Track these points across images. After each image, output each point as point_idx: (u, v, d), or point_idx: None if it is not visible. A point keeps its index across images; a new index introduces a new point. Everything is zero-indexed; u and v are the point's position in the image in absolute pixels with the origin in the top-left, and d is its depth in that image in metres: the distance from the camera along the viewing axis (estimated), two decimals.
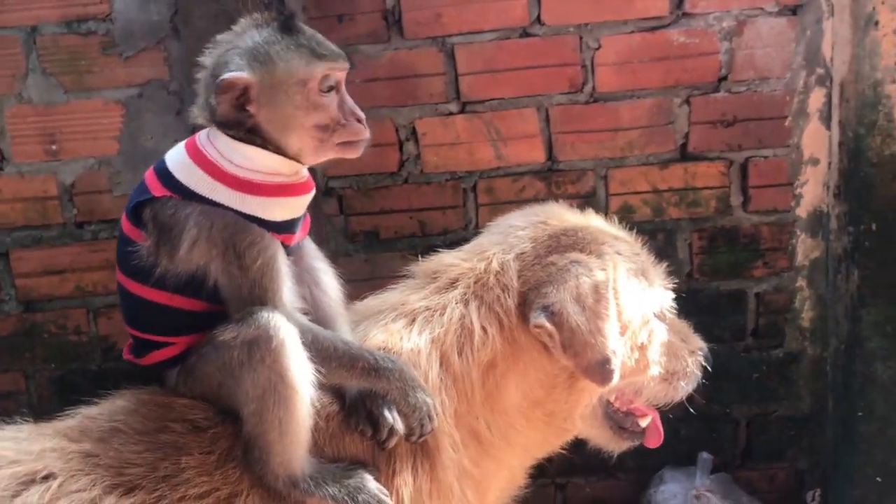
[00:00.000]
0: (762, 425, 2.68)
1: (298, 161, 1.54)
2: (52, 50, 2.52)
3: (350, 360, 1.52)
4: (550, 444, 1.82)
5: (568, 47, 2.49)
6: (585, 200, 2.52)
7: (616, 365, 1.62)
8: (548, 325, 1.60)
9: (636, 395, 1.80)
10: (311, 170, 1.63)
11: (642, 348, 1.72)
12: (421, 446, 1.59)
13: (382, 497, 1.51)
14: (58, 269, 2.64)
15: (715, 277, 2.60)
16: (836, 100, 2.44)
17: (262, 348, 1.43)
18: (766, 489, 2.71)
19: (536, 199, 2.37)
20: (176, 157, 1.55)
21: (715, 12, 2.45)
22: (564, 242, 1.71)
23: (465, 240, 1.88)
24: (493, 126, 2.54)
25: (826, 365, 2.61)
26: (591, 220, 1.82)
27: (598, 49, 2.49)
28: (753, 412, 2.67)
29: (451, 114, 2.55)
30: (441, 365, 1.64)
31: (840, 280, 2.48)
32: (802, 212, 2.55)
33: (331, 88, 1.51)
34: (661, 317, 1.77)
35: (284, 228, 1.54)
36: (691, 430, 2.61)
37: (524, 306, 1.65)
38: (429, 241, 2.53)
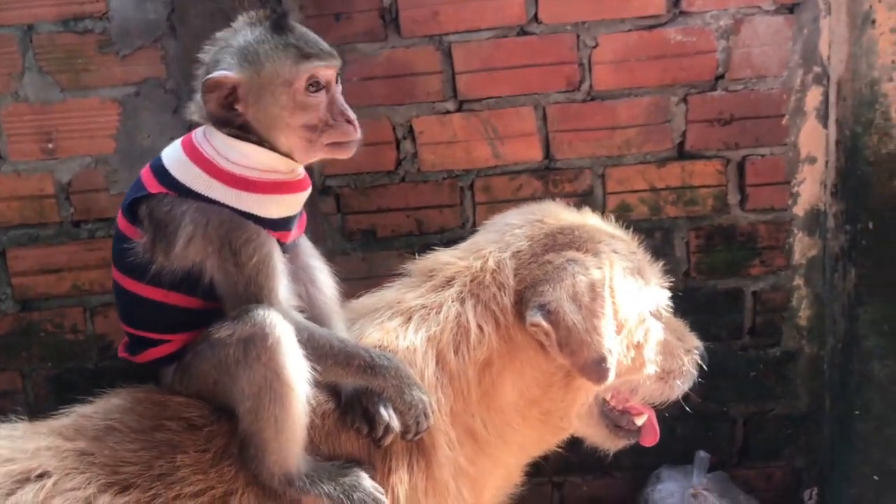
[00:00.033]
0: (759, 424, 2.68)
1: (292, 159, 1.54)
2: (48, 48, 2.52)
3: (346, 358, 1.52)
4: (547, 442, 1.82)
5: (565, 46, 2.49)
6: (583, 199, 2.51)
7: (612, 363, 1.62)
8: (544, 323, 1.61)
9: (632, 394, 1.81)
10: (308, 168, 1.63)
11: (638, 347, 1.72)
12: (417, 444, 1.60)
13: (378, 495, 1.52)
14: (54, 268, 2.64)
15: (712, 276, 2.60)
16: (833, 98, 2.44)
17: (258, 346, 1.43)
18: (763, 488, 2.70)
19: (533, 198, 2.36)
20: (172, 154, 1.55)
21: (712, 11, 2.45)
22: (561, 241, 1.71)
23: (463, 238, 1.88)
24: (491, 124, 2.54)
25: (823, 363, 2.61)
26: (588, 219, 1.82)
27: (595, 47, 2.48)
28: (750, 411, 2.67)
29: (448, 112, 2.55)
30: (437, 363, 1.64)
31: (837, 278, 2.48)
32: (799, 210, 2.55)
33: (319, 88, 1.50)
34: (657, 315, 1.78)
35: (280, 226, 1.54)
36: (688, 428, 2.61)
37: (520, 305, 1.66)
38: (426, 240, 2.53)
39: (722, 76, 2.48)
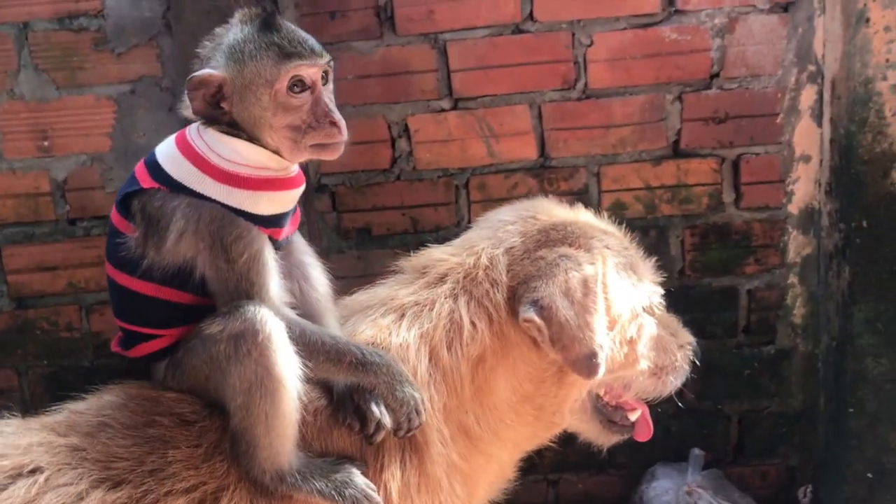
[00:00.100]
0: (754, 422, 2.68)
1: (282, 157, 1.53)
2: (44, 46, 2.52)
3: (337, 355, 1.51)
4: (540, 437, 1.82)
5: (560, 44, 2.49)
6: (578, 197, 2.51)
7: (602, 359, 1.62)
8: (537, 319, 1.61)
9: (625, 390, 1.81)
10: (303, 165, 1.63)
11: (631, 342, 1.72)
12: (409, 441, 1.60)
13: (370, 491, 1.51)
14: (50, 266, 2.64)
15: (707, 274, 2.60)
16: (827, 97, 2.44)
17: (249, 342, 1.43)
18: (757, 485, 2.71)
19: (529, 196, 2.33)
20: (165, 150, 1.55)
21: (707, 9, 2.45)
22: (553, 237, 1.71)
23: (457, 237, 1.88)
24: (486, 123, 2.54)
25: (817, 361, 2.61)
26: (581, 215, 1.82)
27: (590, 46, 2.49)
28: (745, 409, 2.67)
29: (443, 110, 2.55)
30: (430, 360, 1.64)
31: (831, 277, 2.49)
32: (794, 209, 2.55)
33: (304, 89, 1.48)
34: (650, 311, 1.78)
35: (272, 223, 1.54)
36: (683, 426, 2.62)
37: (513, 301, 1.66)
38: (421, 238, 2.52)
39: (717, 75, 2.49)
